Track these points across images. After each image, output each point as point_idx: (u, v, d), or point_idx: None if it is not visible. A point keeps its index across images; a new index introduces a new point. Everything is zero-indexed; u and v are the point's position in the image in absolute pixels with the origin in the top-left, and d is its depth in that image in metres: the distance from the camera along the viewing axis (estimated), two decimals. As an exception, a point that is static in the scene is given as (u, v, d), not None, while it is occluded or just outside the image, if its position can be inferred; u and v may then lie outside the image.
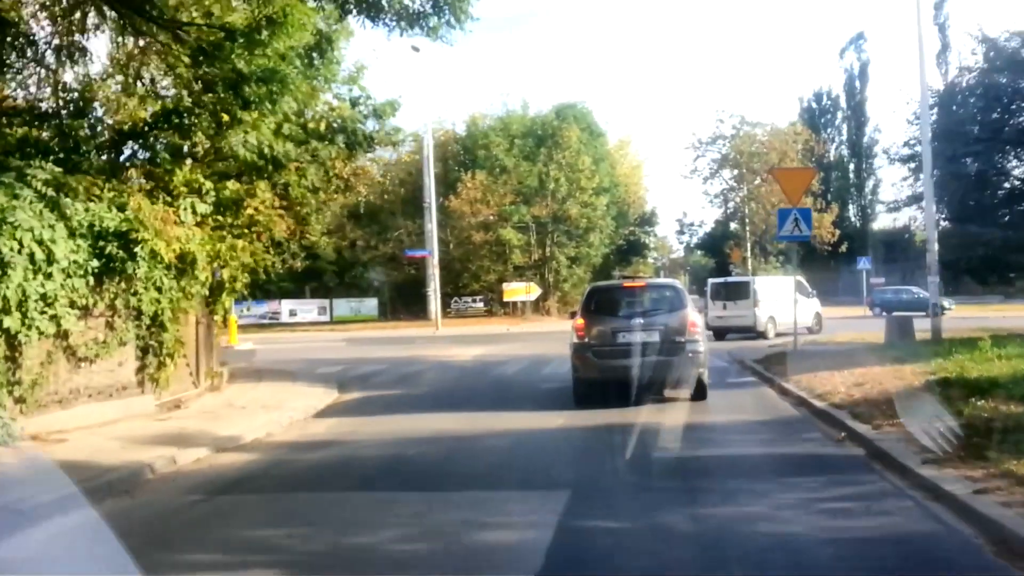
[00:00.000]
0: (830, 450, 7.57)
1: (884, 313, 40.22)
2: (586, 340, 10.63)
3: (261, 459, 8.23)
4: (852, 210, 63.56)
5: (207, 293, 12.50)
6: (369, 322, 39.03)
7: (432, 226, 36.55)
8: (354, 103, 13.50)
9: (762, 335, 22.60)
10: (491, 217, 38.49)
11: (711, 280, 27.19)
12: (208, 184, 11.45)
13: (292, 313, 38.90)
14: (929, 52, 15.68)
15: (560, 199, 39.67)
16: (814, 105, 64.77)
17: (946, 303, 40.21)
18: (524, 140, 40.37)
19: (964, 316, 30.64)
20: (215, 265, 12.24)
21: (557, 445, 8.33)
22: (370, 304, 39.98)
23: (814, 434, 8.40)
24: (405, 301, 41.24)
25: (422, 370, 17.34)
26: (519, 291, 40.20)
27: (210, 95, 10.75)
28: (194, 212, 11.26)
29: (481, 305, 41.05)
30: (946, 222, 17.61)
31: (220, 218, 11.77)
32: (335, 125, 13.60)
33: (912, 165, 18.60)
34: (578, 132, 39.63)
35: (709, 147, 51.59)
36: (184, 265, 11.11)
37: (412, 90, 59.45)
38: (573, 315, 11.61)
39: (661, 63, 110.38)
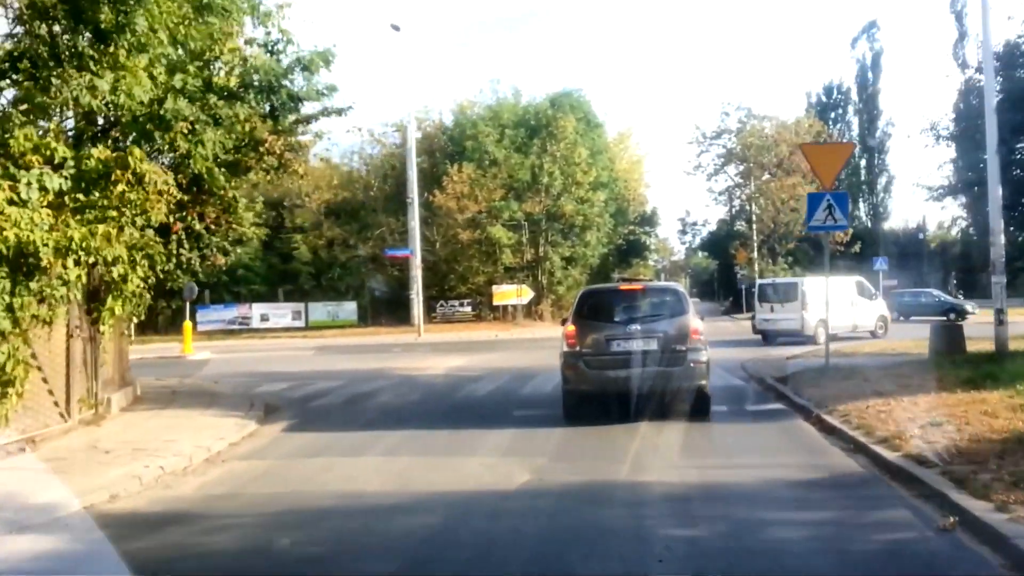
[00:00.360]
0: (940, 551, 4.74)
1: (902, 318, 37.73)
2: (578, 348, 9.60)
3: (54, 551, 5.43)
4: (863, 208, 60.86)
5: (80, 297, 9.67)
6: (348, 328, 36.25)
7: (415, 223, 33.78)
8: (271, 49, 10.64)
9: (811, 339, 21.20)
10: (479, 213, 35.65)
11: (759, 281, 26.41)
12: (64, 150, 8.64)
13: (264, 318, 36.10)
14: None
15: (554, 194, 36.85)
16: (824, 99, 62.08)
17: (969, 306, 37.76)
18: (516, 130, 37.53)
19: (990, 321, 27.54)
20: (97, 261, 9.41)
21: (509, 530, 5.52)
22: (349, 308, 37.18)
23: (898, 512, 5.56)
24: (388, 305, 38.48)
25: (380, 389, 14.56)
26: (510, 294, 37.40)
27: (57, 25, 7.95)
28: (42, 188, 8.45)
29: (469, 309, 38.24)
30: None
31: (83, 197, 8.93)
32: (253, 83, 10.80)
33: (964, 144, 15.63)
34: (574, 122, 36.82)
35: (714, 141, 48.91)
36: (34, 259, 8.33)
37: (397, 80, 56.30)
38: (565, 321, 10.40)
39: (662, 57, 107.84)
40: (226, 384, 15.51)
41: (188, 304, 26.96)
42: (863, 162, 61.66)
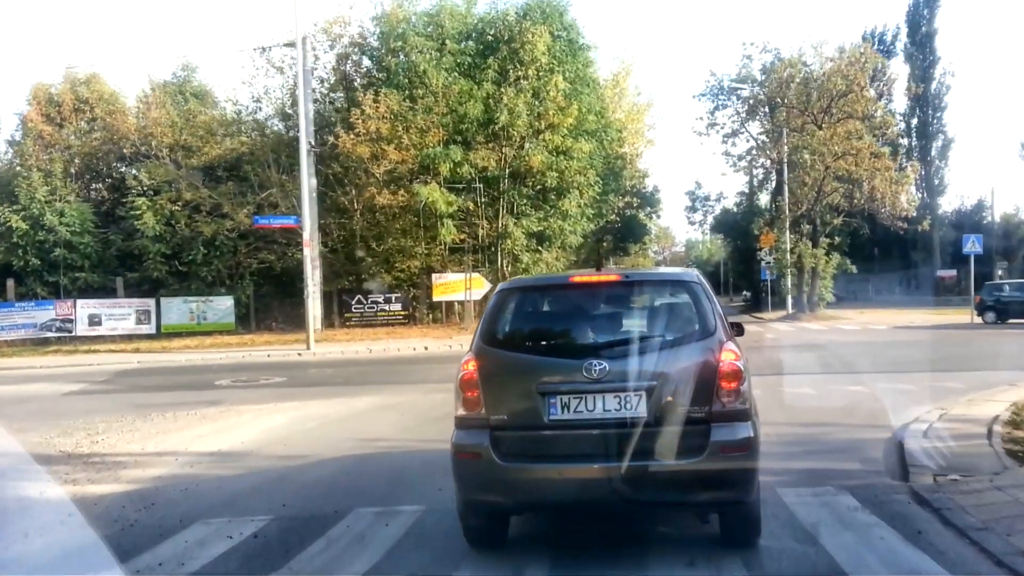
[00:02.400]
0: None
1: (998, 320, 27.93)
2: (482, 412, 4.66)
3: None
4: (913, 179, 50.49)
5: None
6: (221, 334, 25.74)
7: (306, 179, 23.23)
8: None
9: None
10: (401, 163, 25.04)
11: None
12: None
13: (94, 320, 25.47)
14: None
15: (517, 141, 26.26)
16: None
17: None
18: (463, 45, 26.85)
19: None
20: None
21: None
22: (223, 307, 26.57)
23: None
24: (284, 300, 27.95)
25: None
26: (456, 286, 27.01)
27: None
28: None
29: (400, 307, 27.73)
30: None
31: None
32: None
33: None
34: (548, 38, 26.25)
35: (736, 85, 38.37)
36: None
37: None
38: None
39: None
40: None
41: None
42: (915, 121, 51.56)
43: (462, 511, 4.90)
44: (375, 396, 12.57)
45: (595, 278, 5.19)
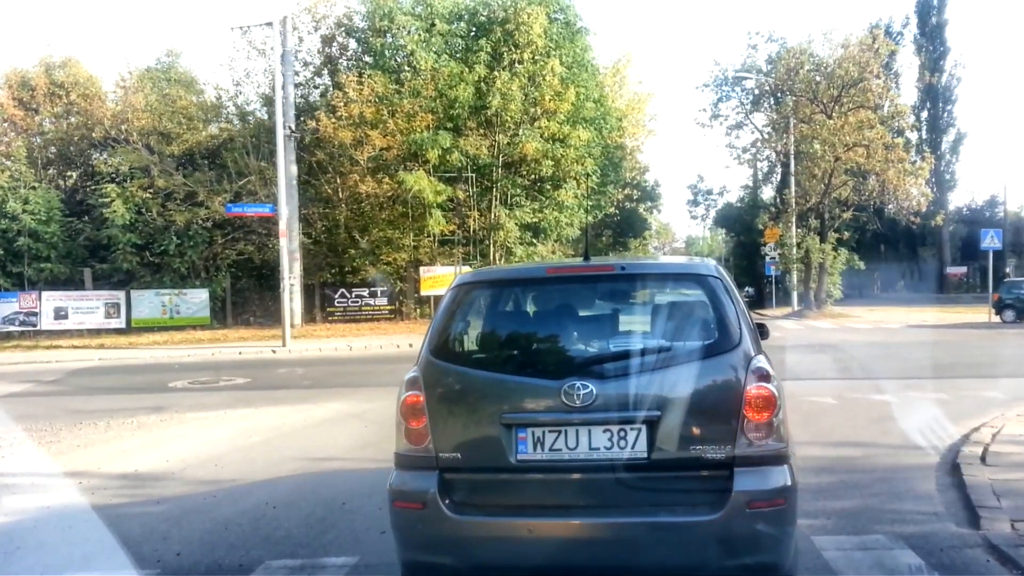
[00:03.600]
0: None
1: (1018, 319, 26.95)
2: (429, 448, 3.61)
3: None
4: (922, 175, 49.23)
5: None
6: (195, 328, 24.48)
7: (283, 165, 21.90)
8: None
9: None
10: (386, 150, 23.72)
11: None
12: None
13: (60, 314, 24.18)
14: None
15: (510, 127, 24.93)
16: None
17: None
18: (454, 26, 25.51)
19: None
20: None
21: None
22: (197, 300, 25.23)
23: None
24: (264, 293, 26.67)
25: None
26: (445, 280, 25.62)
27: None
28: None
29: (385, 301, 26.45)
30: None
31: None
32: None
33: None
34: (544, 20, 24.92)
35: (740, 75, 37.01)
36: None
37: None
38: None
39: None
40: None
41: None
42: (924, 114, 50.19)
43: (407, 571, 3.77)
44: (341, 402, 11.28)
45: (580, 270, 4.05)
